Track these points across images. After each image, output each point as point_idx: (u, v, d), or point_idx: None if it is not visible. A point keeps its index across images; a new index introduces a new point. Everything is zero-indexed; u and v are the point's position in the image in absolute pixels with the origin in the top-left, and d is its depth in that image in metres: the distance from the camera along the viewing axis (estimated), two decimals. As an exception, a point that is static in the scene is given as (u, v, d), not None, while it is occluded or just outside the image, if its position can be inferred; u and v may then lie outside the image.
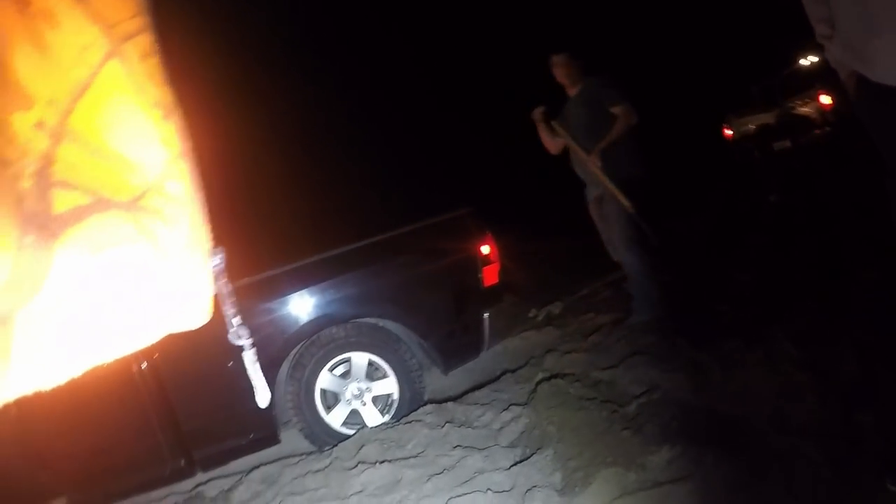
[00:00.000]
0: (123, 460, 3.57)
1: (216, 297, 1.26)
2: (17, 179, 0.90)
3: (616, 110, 4.24)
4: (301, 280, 3.85)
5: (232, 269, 1.34)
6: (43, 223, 0.92)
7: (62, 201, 0.95)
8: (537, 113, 4.56)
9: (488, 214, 4.53)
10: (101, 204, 1.00)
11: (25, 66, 0.92)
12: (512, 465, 2.91)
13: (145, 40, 1.06)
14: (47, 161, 0.93)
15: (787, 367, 2.86)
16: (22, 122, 0.90)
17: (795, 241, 5.08)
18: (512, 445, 3.14)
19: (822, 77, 9.03)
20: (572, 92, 4.51)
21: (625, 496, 2.42)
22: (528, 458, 2.93)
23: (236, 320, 1.38)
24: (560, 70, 4.48)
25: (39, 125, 0.92)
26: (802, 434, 2.36)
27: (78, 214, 0.97)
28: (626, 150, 4.28)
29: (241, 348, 1.40)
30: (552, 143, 4.62)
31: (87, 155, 0.99)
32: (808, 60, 10.18)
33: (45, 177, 0.93)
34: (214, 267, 1.24)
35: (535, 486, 2.68)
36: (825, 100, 9.04)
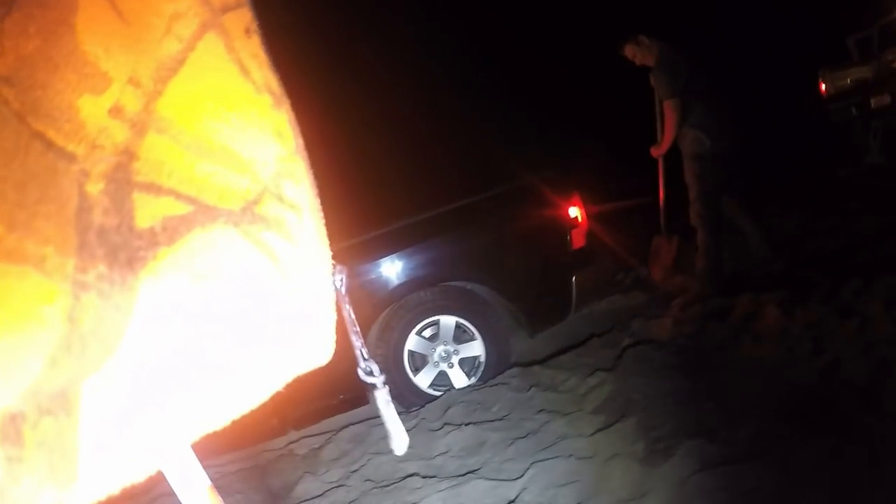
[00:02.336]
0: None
1: (339, 324, 1.04)
2: (82, 181, 0.68)
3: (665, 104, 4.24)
4: (390, 245, 3.94)
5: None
6: (118, 245, 0.69)
7: (148, 211, 0.72)
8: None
9: (577, 171, 4.51)
10: (203, 213, 0.77)
11: (97, 34, 0.71)
12: (595, 432, 2.97)
13: (246, 15, 0.85)
14: (127, 157, 0.72)
15: (883, 344, 2.78)
16: (93, 107, 0.70)
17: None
18: (596, 412, 3.19)
19: None
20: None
21: (706, 470, 2.43)
22: (612, 425, 2.98)
23: (365, 353, 1.14)
24: (636, 59, 4.40)
25: (116, 111, 0.71)
26: (894, 418, 2.30)
27: (172, 229, 0.74)
28: (693, 128, 4.23)
29: (372, 386, 1.15)
30: None
31: (180, 150, 0.76)
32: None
33: (122, 178, 0.71)
34: (338, 289, 1.03)
35: (616, 455, 2.74)
36: None
